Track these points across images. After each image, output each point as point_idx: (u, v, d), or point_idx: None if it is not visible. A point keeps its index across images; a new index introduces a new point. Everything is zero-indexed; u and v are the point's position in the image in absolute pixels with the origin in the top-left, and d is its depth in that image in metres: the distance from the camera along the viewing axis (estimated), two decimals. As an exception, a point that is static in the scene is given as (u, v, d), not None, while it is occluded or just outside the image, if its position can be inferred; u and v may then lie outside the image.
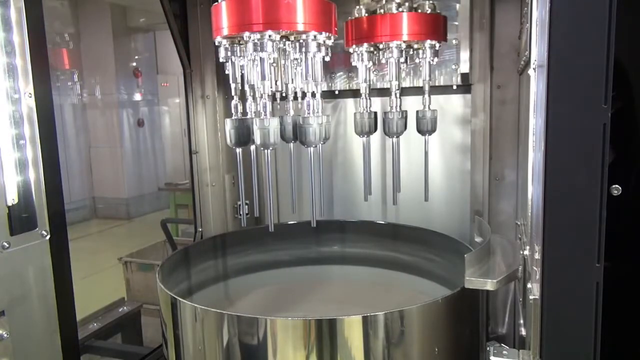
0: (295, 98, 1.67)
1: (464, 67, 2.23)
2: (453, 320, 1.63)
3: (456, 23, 2.21)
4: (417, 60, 1.90)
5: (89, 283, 3.88)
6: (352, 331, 1.51)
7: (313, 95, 1.52)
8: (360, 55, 1.88)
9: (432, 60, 1.89)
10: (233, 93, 1.61)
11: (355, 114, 2.02)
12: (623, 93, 0.97)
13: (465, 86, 2.29)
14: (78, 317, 1.78)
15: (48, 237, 1.59)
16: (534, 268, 1.17)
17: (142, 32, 7.79)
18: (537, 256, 1.11)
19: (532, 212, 1.25)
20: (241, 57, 1.51)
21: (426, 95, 1.97)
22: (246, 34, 1.36)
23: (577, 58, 0.97)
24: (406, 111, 2.02)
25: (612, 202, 0.98)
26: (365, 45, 1.83)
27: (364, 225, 2.53)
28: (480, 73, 2.25)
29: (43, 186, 1.57)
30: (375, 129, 2.04)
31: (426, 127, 2.00)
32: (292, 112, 1.73)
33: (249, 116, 1.61)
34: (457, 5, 2.20)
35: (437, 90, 2.30)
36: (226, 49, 1.51)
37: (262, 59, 1.38)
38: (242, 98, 1.63)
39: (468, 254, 1.60)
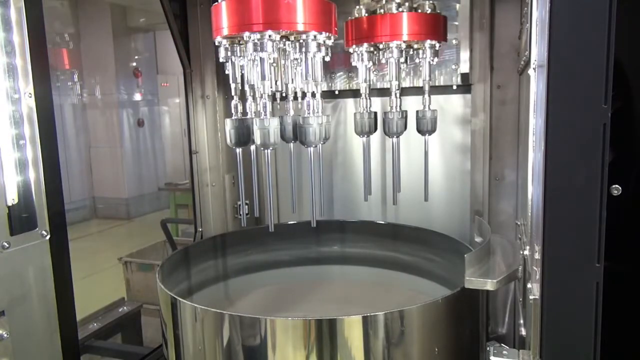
0: (295, 98, 1.67)
1: (464, 67, 2.23)
2: (453, 320, 1.63)
3: (456, 23, 2.21)
4: (417, 61, 1.90)
5: (89, 283, 3.88)
6: (352, 331, 1.51)
7: (313, 95, 1.52)
8: (360, 55, 1.88)
9: (432, 61, 1.89)
10: (233, 93, 1.61)
11: (355, 114, 2.02)
12: (623, 93, 0.97)
13: (465, 86, 2.29)
14: (78, 317, 1.78)
15: (48, 237, 1.59)
16: (534, 268, 1.17)
17: (142, 32, 7.79)
18: (537, 256, 1.11)
19: (532, 212, 1.25)
20: (241, 57, 1.51)
21: (426, 95, 1.97)
22: (246, 34, 1.36)
23: (577, 58, 0.97)
24: (406, 111, 2.02)
25: (612, 202, 0.98)
26: (365, 45, 1.83)
27: (364, 225, 2.53)
28: (481, 73, 2.25)
29: (43, 186, 1.57)
30: (375, 129, 2.04)
31: (426, 127, 2.00)
32: (292, 112, 1.72)
33: (249, 116, 1.60)
34: (457, 5, 2.20)
35: (437, 90, 2.30)
36: (226, 49, 1.50)
37: (262, 59, 1.38)
38: (243, 98, 1.63)
39: (468, 254, 1.60)
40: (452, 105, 2.37)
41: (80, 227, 6.97)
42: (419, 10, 1.77)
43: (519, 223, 1.95)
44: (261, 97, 1.44)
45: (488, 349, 1.62)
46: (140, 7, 7.14)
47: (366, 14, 1.79)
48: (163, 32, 7.06)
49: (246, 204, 2.64)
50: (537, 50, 1.15)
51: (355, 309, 2.20)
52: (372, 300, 2.30)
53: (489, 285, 1.52)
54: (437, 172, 2.44)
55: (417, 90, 2.32)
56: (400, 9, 1.75)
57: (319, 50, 1.45)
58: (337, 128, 2.60)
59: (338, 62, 2.45)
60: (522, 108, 2.12)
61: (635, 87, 0.98)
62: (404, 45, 1.82)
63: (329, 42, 1.49)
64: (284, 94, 1.70)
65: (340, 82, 2.51)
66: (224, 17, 1.37)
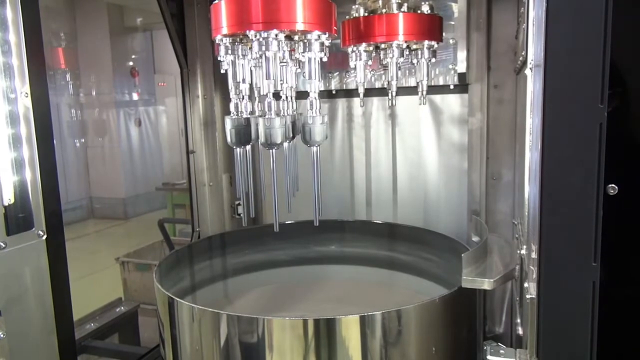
0: (295, 98, 1.66)
1: (461, 67, 2.24)
2: (450, 320, 1.63)
3: (453, 23, 2.22)
4: (414, 61, 1.89)
5: (85, 283, 3.87)
6: (350, 331, 1.51)
7: (304, 95, 1.52)
8: (358, 55, 1.88)
9: (430, 61, 1.89)
10: (233, 92, 1.60)
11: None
12: (619, 92, 0.97)
13: (462, 86, 2.29)
14: (75, 317, 1.78)
15: (44, 237, 1.59)
16: (531, 267, 1.17)
17: (140, 32, 7.77)
18: (533, 255, 1.12)
19: (529, 212, 1.25)
20: (242, 56, 1.50)
21: (423, 95, 1.96)
22: (252, 33, 1.34)
23: (573, 58, 0.98)
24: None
25: (608, 202, 0.98)
26: (364, 45, 1.83)
27: (361, 225, 2.53)
28: (478, 73, 2.25)
29: (39, 186, 1.57)
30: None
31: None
32: (291, 112, 1.70)
33: (247, 115, 1.60)
34: (454, 5, 2.20)
35: (434, 89, 2.31)
36: (227, 48, 1.49)
37: (267, 58, 1.37)
38: (241, 97, 1.62)
39: (465, 253, 1.60)
40: (449, 105, 2.37)
41: (77, 227, 6.95)
42: (418, 11, 1.78)
43: (515, 222, 1.96)
44: (266, 96, 1.43)
45: (485, 348, 1.62)
46: (137, 7, 7.13)
47: (365, 14, 1.79)
48: (160, 32, 7.05)
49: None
50: (534, 50, 1.16)
51: (352, 308, 2.20)
52: (369, 299, 2.30)
53: (486, 284, 1.52)
54: (435, 171, 2.44)
55: (414, 90, 2.33)
56: (401, 9, 1.75)
57: (322, 50, 1.45)
58: (334, 128, 2.60)
59: (335, 62, 2.45)
60: (519, 107, 2.12)
61: (632, 86, 0.98)
62: (403, 45, 1.83)
63: (327, 42, 1.48)
64: (281, 94, 1.69)
65: (335, 82, 2.51)
66: (226, 15, 1.36)
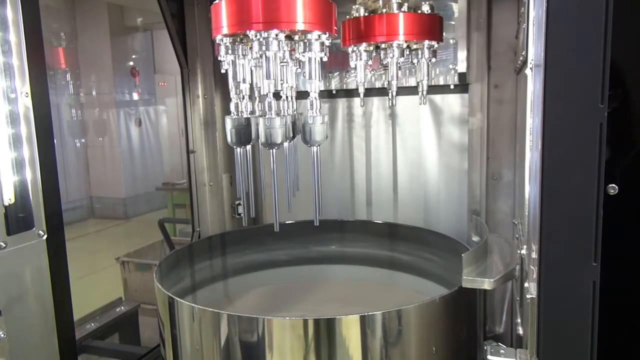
0: (295, 98, 1.66)
1: (462, 67, 2.24)
2: (451, 320, 1.63)
3: (453, 23, 2.22)
4: (415, 61, 1.89)
5: (86, 283, 3.87)
6: (350, 330, 1.51)
7: (304, 95, 1.52)
8: (358, 55, 1.87)
9: (430, 60, 1.89)
10: (234, 92, 1.60)
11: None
12: (619, 92, 0.97)
13: (462, 85, 2.29)
14: (75, 317, 1.78)
15: (45, 237, 1.59)
16: (531, 267, 1.17)
17: (140, 32, 7.78)
18: (534, 255, 1.12)
19: (529, 211, 1.25)
20: (242, 56, 1.50)
21: (424, 95, 1.96)
22: (252, 33, 1.34)
23: (574, 58, 0.98)
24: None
25: (608, 201, 0.98)
26: (364, 44, 1.82)
27: (361, 225, 2.53)
28: (478, 72, 2.25)
29: (40, 186, 1.57)
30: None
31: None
32: (291, 112, 1.70)
33: (247, 115, 1.60)
34: (455, 5, 2.20)
35: (434, 89, 2.31)
36: (227, 48, 1.49)
37: (267, 58, 1.37)
38: (241, 97, 1.62)
39: (465, 253, 1.60)
40: (450, 105, 2.37)
41: (78, 227, 6.95)
42: (418, 11, 1.78)
43: (516, 222, 1.96)
44: (266, 96, 1.43)
45: (485, 348, 1.62)
46: (137, 7, 7.13)
47: (365, 14, 1.79)
48: (160, 32, 7.05)
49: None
50: (534, 50, 1.16)
51: (353, 308, 2.20)
52: (369, 299, 2.30)
53: (487, 284, 1.52)
54: (435, 171, 2.44)
55: (414, 90, 2.33)
56: (402, 9, 1.75)
57: (322, 50, 1.45)
58: (334, 128, 2.60)
59: (335, 62, 2.45)
60: (519, 107, 2.12)
61: (632, 86, 0.98)
62: (404, 45, 1.83)
63: (327, 42, 1.48)
64: (282, 94, 1.69)
65: (335, 82, 2.51)
66: (226, 15, 1.36)
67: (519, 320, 1.78)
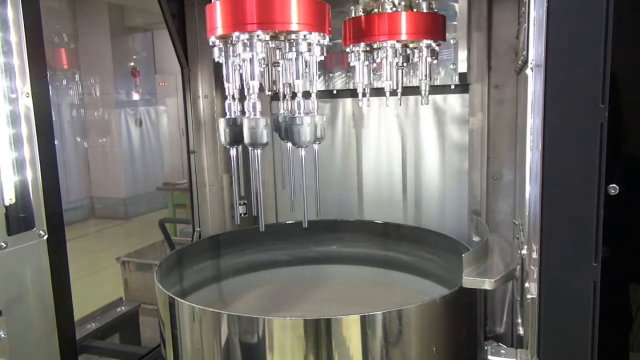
0: (294, 97, 1.67)
1: (462, 67, 2.23)
2: (451, 320, 1.63)
3: (454, 23, 2.21)
4: (415, 60, 1.88)
5: (86, 283, 3.87)
6: (350, 331, 1.51)
7: (306, 95, 1.52)
8: (357, 54, 1.87)
9: (431, 60, 1.86)
10: (227, 93, 1.61)
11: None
12: (620, 92, 0.97)
13: (463, 86, 2.29)
14: (76, 317, 1.78)
15: (45, 237, 1.59)
16: (532, 267, 1.17)
17: (140, 32, 7.78)
18: (534, 255, 1.12)
19: (530, 212, 1.25)
20: (235, 57, 1.50)
21: (426, 95, 1.94)
22: (235, 34, 1.36)
23: (574, 58, 0.98)
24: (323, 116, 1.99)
25: (609, 201, 0.98)
26: (362, 44, 1.82)
27: (361, 225, 2.53)
28: (478, 73, 2.25)
29: (40, 186, 1.57)
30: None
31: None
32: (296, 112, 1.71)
33: (239, 115, 1.61)
34: (456, 6, 2.20)
35: (435, 89, 2.31)
36: (220, 49, 1.50)
37: (251, 59, 1.38)
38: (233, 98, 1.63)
39: (466, 253, 1.60)
40: (450, 105, 2.37)
41: (78, 227, 6.96)
42: (416, 10, 1.76)
43: (516, 222, 1.96)
44: (250, 96, 1.44)
45: (486, 348, 1.62)
46: (138, 7, 7.13)
47: (362, 13, 1.77)
48: (161, 32, 7.05)
49: (244, 203, 2.66)
50: (535, 50, 1.16)
51: (353, 308, 2.20)
52: (370, 299, 2.30)
53: (487, 284, 1.52)
54: (435, 171, 2.44)
55: (415, 90, 2.33)
56: (396, 9, 1.73)
57: (310, 49, 1.45)
58: (335, 128, 2.60)
59: (336, 61, 2.45)
60: (519, 107, 2.12)
61: (632, 86, 0.98)
62: (398, 45, 1.80)
63: (324, 42, 1.48)
64: (285, 94, 1.70)
65: (338, 82, 2.51)
66: (217, 17, 1.37)
67: (519, 321, 1.78)
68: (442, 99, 2.37)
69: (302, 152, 1.55)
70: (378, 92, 2.42)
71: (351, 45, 1.84)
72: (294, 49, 1.42)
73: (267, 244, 2.50)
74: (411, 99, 2.39)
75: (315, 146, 1.59)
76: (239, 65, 1.52)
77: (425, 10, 1.76)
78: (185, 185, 4.51)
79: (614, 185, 0.98)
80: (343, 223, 2.57)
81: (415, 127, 2.45)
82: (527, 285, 1.23)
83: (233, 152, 1.67)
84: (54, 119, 1.65)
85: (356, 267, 2.53)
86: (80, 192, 7.47)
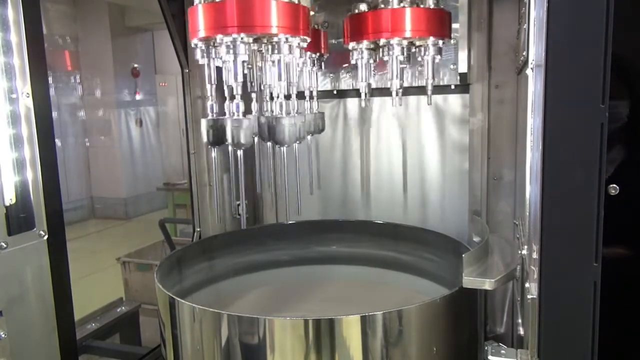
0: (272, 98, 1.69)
1: (462, 67, 2.23)
2: (451, 320, 1.63)
3: (455, 23, 2.21)
4: (419, 59, 1.81)
5: (86, 283, 3.87)
6: (351, 331, 1.51)
7: (287, 96, 1.57)
8: (360, 52, 1.82)
9: (435, 58, 1.80)
10: (208, 93, 1.63)
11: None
12: (620, 92, 0.97)
13: (463, 86, 2.29)
14: (76, 317, 1.78)
15: (46, 237, 1.59)
16: (532, 267, 1.17)
17: (141, 32, 7.78)
18: (534, 255, 1.12)
19: (530, 212, 1.25)
20: (217, 59, 1.53)
21: (430, 94, 1.89)
22: (219, 37, 1.40)
23: (574, 58, 0.98)
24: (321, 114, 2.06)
25: (609, 202, 0.98)
26: (366, 42, 1.76)
27: (362, 225, 2.53)
28: (479, 73, 2.25)
29: (41, 186, 1.57)
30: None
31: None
32: (292, 112, 1.72)
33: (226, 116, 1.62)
34: (456, 6, 2.19)
35: (435, 89, 2.28)
36: (202, 51, 1.53)
37: (235, 61, 1.42)
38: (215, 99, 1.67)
39: (466, 253, 1.60)
40: (450, 105, 2.37)
41: (78, 227, 6.96)
42: (422, 6, 1.69)
43: (517, 222, 1.95)
44: (234, 97, 1.49)
45: (486, 348, 1.62)
46: (138, 7, 7.13)
47: (366, 9, 1.71)
48: (161, 32, 7.06)
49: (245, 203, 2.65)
50: (535, 50, 1.16)
51: (353, 308, 2.20)
52: (370, 299, 2.30)
53: (487, 284, 1.52)
54: (435, 171, 2.44)
55: (415, 90, 2.33)
56: (402, 4, 1.67)
57: (291, 52, 1.49)
58: (336, 127, 2.60)
59: (339, 60, 2.44)
60: (520, 108, 2.12)
61: (633, 86, 0.98)
62: (405, 43, 1.74)
63: (304, 45, 1.53)
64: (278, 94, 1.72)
65: (338, 82, 2.51)
66: (199, 20, 1.41)
67: (519, 321, 1.78)
68: (442, 99, 2.37)
69: (284, 151, 1.59)
70: (379, 92, 2.42)
71: (354, 43, 1.79)
72: (275, 51, 1.47)
73: (267, 244, 2.50)
74: (411, 99, 2.39)
75: (296, 145, 1.64)
76: (222, 67, 1.54)
77: (432, 6, 1.68)
78: (186, 185, 4.51)
79: (615, 185, 0.98)
80: (343, 223, 2.57)
81: (416, 128, 2.45)
82: (527, 285, 1.23)
83: (214, 153, 1.70)
84: (54, 119, 1.65)
85: (356, 267, 2.53)
86: (81, 192, 7.48)
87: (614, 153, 0.97)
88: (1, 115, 1.47)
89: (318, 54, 2.00)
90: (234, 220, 2.71)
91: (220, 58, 1.47)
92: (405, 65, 1.86)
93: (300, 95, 2.06)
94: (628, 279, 1.03)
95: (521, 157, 1.75)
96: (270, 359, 1.52)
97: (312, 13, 1.95)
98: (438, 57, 1.81)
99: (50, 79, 1.65)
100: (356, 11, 1.75)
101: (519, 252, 1.61)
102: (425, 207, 2.47)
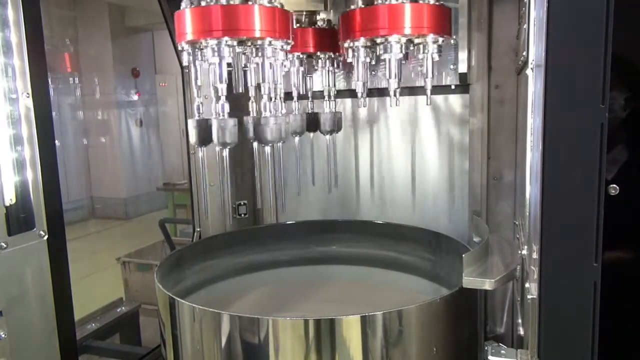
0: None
1: (462, 67, 2.23)
2: (451, 320, 1.63)
3: (454, 23, 2.21)
4: (419, 57, 1.74)
5: (87, 283, 3.87)
6: (351, 331, 1.51)
7: (271, 98, 1.63)
8: (356, 50, 1.75)
9: (435, 57, 1.72)
10: (195, 95, 1.70)
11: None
12: (621, 92, 0.97)
13: (463, 86, 2.29)
14: (76, 317, 1.78)
15: (46, 237, 1.59)
16: (532, 267, 1.17)
17: (141, 32, 7.78)
18: (534, 256, 1.12)
19: (530, 212, 1.25)
20: (203, 61, 1.57)
21: (428, 94, 1.81)
22: (204, 40, 1.46)
23: (574, 58, 0.98)
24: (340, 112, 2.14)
25: (609, 202, 0.98)
26: (362, 39, 1.69)
27: (362, 225, 2.53)
28: (479, 73, 2.25)
29: (41, 186, 1.57)
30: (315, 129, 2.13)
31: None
32: (295, 111, 1.85)
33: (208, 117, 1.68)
34: (456, 6, 2.19)
35: (435, 90, 2.27)
36: (188, 54, 1.57)
37: (219, 63, 1.48)
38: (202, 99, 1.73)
39: (466, 253, 1.60)
40: (450, 105, 2.37)
41: (78, 228, 6.96)
42: (422, 1, 1.61)
43: (517, 222, 1.95)
44: (219, 99, 1.54)
45: (486, 348, 1.62)
46: (138, 7, 7.14)
47: (363, 5, 1.64)
48: (161, 32, 7.06)
49: (244, 203, 2.67)
50: (535, 50, 1.16)
51: (353, 308, 2.20)
52: (370, 300, 2.30)
53: (487, 284, 1.52)
54: (436, 171, 2.44)
55: (414, 90, 2.33)
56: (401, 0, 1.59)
57: (275, 55, 1.54)
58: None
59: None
60: (520, 108, 2.12)
61: (633, 86, 0.98)
62: (404, 40, 1.66)
63: (287, 48, 1.57)
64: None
65: (339, 82, 2.50)
66: (186, 24, 1.47)
67: (519, 321, 1.78)
68: (442, 99, 2.37)
69: (268, 150, 1.67)
70: (379, 92, 2.42)
71: (348, 41, 1.72)
72: (260, 53, 1.53)
73: (267, 244, 2.50)
74: (411, 99, 2.39)
75: (279, 144, 1.72)
76: (207, 69, 1.58)
77: (432, 2, 1.62)
78: (185, 185, 4.50)
79: (614, 185, 0.98)
80: (343, 223, 2.57)
81: (416, 128, 2.45)
82: (527, 285, 1.23)
83: (201, 153, 1.77)
84: (54, 119, 1.66)
85: (356, 267, 2.53)
86: (81, 192, 7.48)
87: (614, 153, 0.97)
88: (1, 115, 1.47)
89: (336, 53, 2.01)
90: (234, 220, 2.71)
91: (207, 60, 1.52)
92: (403, 64, 1.78)
93: (303, 96, 2.11)
94: (628, 279, 1.03)
95: (521, 157, 1.75)
96: (270, 359, 1.52)
97: (323, 16, 1.96)
98: (437, 55, 1.74)
99: (49, 80, 1.65)
100: (352, 7, 1.67)
101: (519, 252, 1.61)
102: (425, 207, 2.47)
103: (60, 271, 1.65)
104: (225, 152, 1.64)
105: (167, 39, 2.58)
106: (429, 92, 1.80)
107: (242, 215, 2.67)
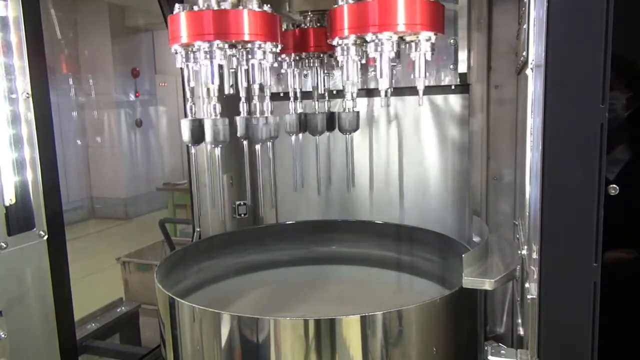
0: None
1: (462, 67, 2.23)
2: (451, 320, 1.63)
3: (454, 23, 2.21)
4: (411, 55, 1.66)
5: (87, 283, 3.87)
6: (351, 331, 1.51)
7: (261, 98, 1.72)
8: (345, 49, 1.67)
9: (430, 55, 1.64)
10: (188, 96, 1.77)
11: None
12: (621, 92, 0.97)
13: (463, 86, 2.29)
14: (76, 317, 1.78)
15: (45, 237, 1.59)
16: (532, 267, 1.17)
17: (141, 32, 7.78)
18: (534, 256, 1.12)
19: (530, 212, 1.25)
20: (194, 63, 1.63)
21: (421, 94, 1.72)
22: (197, 43, 1.53)
23: (574, 58, 0.98)
24: (359, 112, 2.16)
25: (609, 202, 0.98)
26: (352, 37, 1.61)
27: (361, 225, 2.53)
28: (479, 73, 2.25)
29: (41, 186, 1.57)
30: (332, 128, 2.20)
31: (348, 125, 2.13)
32: (291, 112, 1.88)
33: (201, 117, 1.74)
34: (455, 6, 2.20)
35: (435, 90, 2.30)
36: (182, 56, 1.63)
37: (211, 65, 1.55)
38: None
39: (466, 253, 1.60)
40: (450, 105, 2.37)
41: (78, 228, 6.95)
42: None
43: (516, 223, 1.96)
44: (211, 99, 1.62)
45: (486, 348, 1.62)
46: (138, 7, 7.13)
47: (352, 1, 1.54)
48: (161, 32, 7.05)
49: (244, 204, 2.67)
50: (535, 50, 1.16)
51: (353, 308, 2.20)
52: (370, 300, 2.30)
53: (487, 284, 1.52)
54: (435, 171, 2.44)
55: (414, 90, 2.33)
56: None
57: (265, 57, 1.62)
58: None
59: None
60: (519, 108, 2.12)
61: (633, 86, 0.98)
62: (395, 38, 1.58)
63: (276, 50, 1.64)
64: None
65: (338, 82, 2.50)
66: (180, 27, 1.55)
67: (519, 321, 1.78)
68: (442, 99, 2.37)
69: (258, 148, 1.74)
70: (379, 91, 2.41)
71: (337, 38, 1.64)
72: (249, 56, 1.61)
73: (267, 244, 2.50)
74: (411, 99, 2.39)
75: (269, 144, 1.79)
76: (199, 70, 1.64)
77: None
78: (185, 185, 4.50)
79: (614, 185, 0.98)
80: (343, 223, 2.57)
81: (415, 128, 2.45)
82: (527, 285, 1.23)
83: (193, 150, 1.85)
84: (53, 119, 1.66)
85: (356, 268, 2.53)
86: (81, 193, 7.48)
87: (614, 153, 0.97)
88: (1, 116, 1.47)
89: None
90: (233, 220, 2.71)
91: (199, 63, 1.58)
92: (396, 63, 1.71)
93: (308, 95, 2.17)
94: (628, 279, 1.03)
95: (521, 157, 1.75)
96: (270, 359, 1.52)
97: None
98: (430, 54, 1.64)
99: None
100: (343, 2, 1.57)
101: (519, 252, 1.61)
102: (425, 208, 2.47)
103: (60, 271, 1.65)
104: (217, 151, 1.70)
105: (167, 39, 2.57)
106: (421, 92, 1.71)
107: (242, 215, 2.68)
